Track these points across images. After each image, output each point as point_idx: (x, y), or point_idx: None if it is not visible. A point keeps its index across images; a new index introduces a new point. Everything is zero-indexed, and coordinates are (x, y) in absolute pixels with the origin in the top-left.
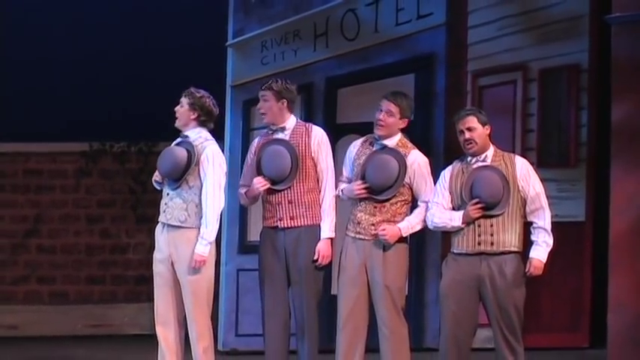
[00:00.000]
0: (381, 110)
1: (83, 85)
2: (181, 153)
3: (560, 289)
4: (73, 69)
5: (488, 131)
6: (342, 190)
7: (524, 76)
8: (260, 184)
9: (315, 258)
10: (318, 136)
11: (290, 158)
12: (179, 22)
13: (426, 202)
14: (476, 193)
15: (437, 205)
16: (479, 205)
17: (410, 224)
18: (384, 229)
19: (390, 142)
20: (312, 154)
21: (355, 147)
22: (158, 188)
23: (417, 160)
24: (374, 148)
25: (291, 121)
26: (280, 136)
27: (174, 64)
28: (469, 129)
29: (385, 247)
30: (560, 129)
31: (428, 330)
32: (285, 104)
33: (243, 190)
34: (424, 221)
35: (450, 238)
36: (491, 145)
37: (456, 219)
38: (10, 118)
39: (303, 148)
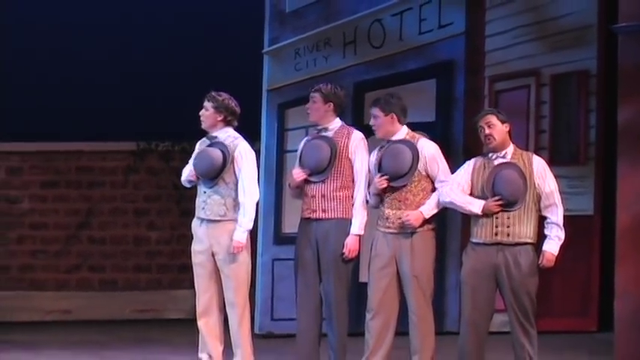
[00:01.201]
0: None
1: (132, 89)
2: (216, 154)
3: (570, 277)
4: (123, 75)
5: (507, 129)
6: (367, 193)
7: (537, 81)
8: (297, 174)
9: (343, 251)
10: (357, 139)
11: (330, 153)
12: (219, 31)
13: (442, 182)
14: (498, 191)
15: (457, 185)
16: (500, 202)
17: (430, 206)
18: (407, 215)
19: (398, 137)
20: (350, 155)
21: (374, 155)
22: (188, 186)
23: (425, 146)
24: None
25: (335, 123)
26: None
27: (214, 70)
28: (489, 125)
29: (413, 239)
30: (571, 130)
31: (448, 315)
32: (331, 107)
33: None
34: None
35: (470, 228)
36: (511, 143)
37: (475, 206)
38: (65, 120)
39: (342, 148)
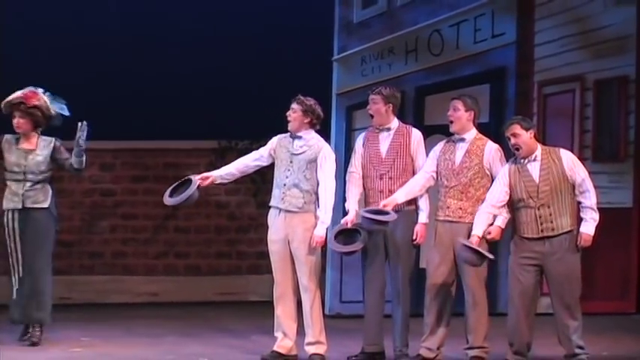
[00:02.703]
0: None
1: (215, 93)
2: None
3: (611, 264)
4: (207, 80)
5: (532, 134)
6: None
7: (581, 85)
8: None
9: (414, 238)
10: (417, 137)
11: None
12: (294, 40)
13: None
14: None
15: (491, 196)
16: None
17: (503, 221)
18: (489, 233)
19: (468, 136)
20: (411, 153)
21: (440, 146)
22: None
23: (492, 148)
24: (456, 145)
25: (394, 122)
26: (384, 135)
27: (289, 75)
28: (514, 135)
29: (470, 228)
30: (612, 130)
31: (500, 297)
32: (391, 108)
33: (352, 174)
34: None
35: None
36: (538, 145)
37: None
38: (153, 120)
39: (404, 146)
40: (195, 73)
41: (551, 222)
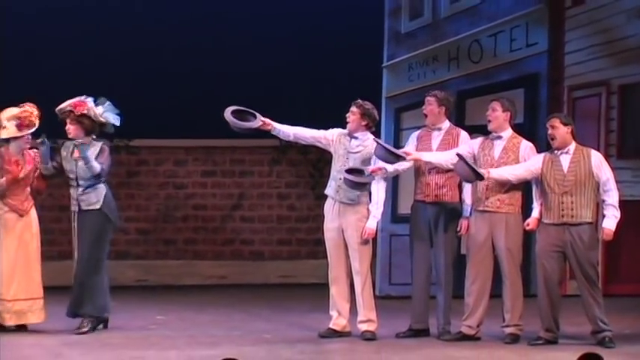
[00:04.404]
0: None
1: (277, 95)
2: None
3: (634, 250)
4: (272, 84)
5: (569, 130)
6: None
7: (607, 90)
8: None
9: (459, 229)
10: (464, 138)
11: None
12: (348, 49)
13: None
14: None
15: (521, 165)
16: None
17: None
18: (528, 225)
19: (505, 135)
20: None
21: (477, 142)
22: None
23: (527, 146)
24: (493, 142)
25: (445, 123)
26: (435, 134)
27: (344, 80)
28: (552, 127)
29: (507, 218)
30: (635, 129)
31: (533, 280)
32: (444, 110)
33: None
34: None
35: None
36: (573, 142)
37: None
38: (222, 120)
39: (452, 144)
40: (260, 77)
41: (572, 209)
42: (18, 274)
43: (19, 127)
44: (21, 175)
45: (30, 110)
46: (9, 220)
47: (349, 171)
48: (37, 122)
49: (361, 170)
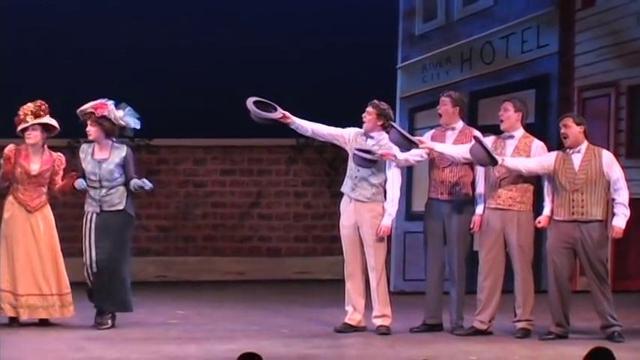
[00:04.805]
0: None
1: (294, 96)
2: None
3: None
4: (281, 82)
5: (582, 130)
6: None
7: (616, 90)
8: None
9: (472, 226)
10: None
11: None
12: (364, 51)
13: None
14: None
15: (534, 159)
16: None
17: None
18: (539, 222)
19: (517, 134)
20: None
21: (490, 141)
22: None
23: (539, 145)
24: (505, 141)
25: (459, 123)
26: (449, 133)
27: (359, 81)
28: (565, 126)
29: (518, 215)
30: None
31: (544, 277)
32: (458, 110)
33: None
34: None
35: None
36: (585, 141)
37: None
38: (240, 120)
39: (466, 144)
40: (277, 77)
41: (582, 207)
42: (27, 268)
43: (18, 122)
44: (33, 172)
45: (27, 106)
46: (17, 215)
47: (360, 150)
48: (28, 119)
49: (371, 152)
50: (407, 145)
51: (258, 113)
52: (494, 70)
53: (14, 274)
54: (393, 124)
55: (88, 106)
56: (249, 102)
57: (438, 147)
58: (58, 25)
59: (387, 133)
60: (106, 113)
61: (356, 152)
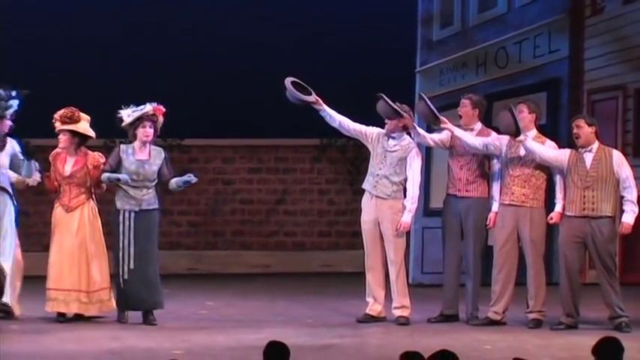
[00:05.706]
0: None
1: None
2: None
3: None
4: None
5: (593, 130)
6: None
7: (624, 93)
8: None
9: (487, 223)
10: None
11: None
12: (385, 55)
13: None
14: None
15: (552, 149)
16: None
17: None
18: (551, 218)
19: (531, 134)
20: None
21: (506, 139)
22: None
23: (551, 145)
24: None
25: (478, 125)
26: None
27: (380, 84)
28: (577, 126)
29: (531, 211)
30: None
31: (555, 269)
32: (477, 112)
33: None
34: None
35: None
36: (596, 141)
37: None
38: (266, 121)
39: None
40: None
41: (593, 203)
42: (65, 265)
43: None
44: (66, 173)
45: (59, 112)
46: (58, 215)
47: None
48: (56, 125)
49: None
50: (432, 118)
51: (294, 93)
52: (507, 73)
53: (60, 272)
54: (422, 94)
55: (150, 109)
56: (288, 81)
57: (457, 131)
58: (100, 29)
59: (417, 103)
60: (160, 115)
61: (382, 96)
